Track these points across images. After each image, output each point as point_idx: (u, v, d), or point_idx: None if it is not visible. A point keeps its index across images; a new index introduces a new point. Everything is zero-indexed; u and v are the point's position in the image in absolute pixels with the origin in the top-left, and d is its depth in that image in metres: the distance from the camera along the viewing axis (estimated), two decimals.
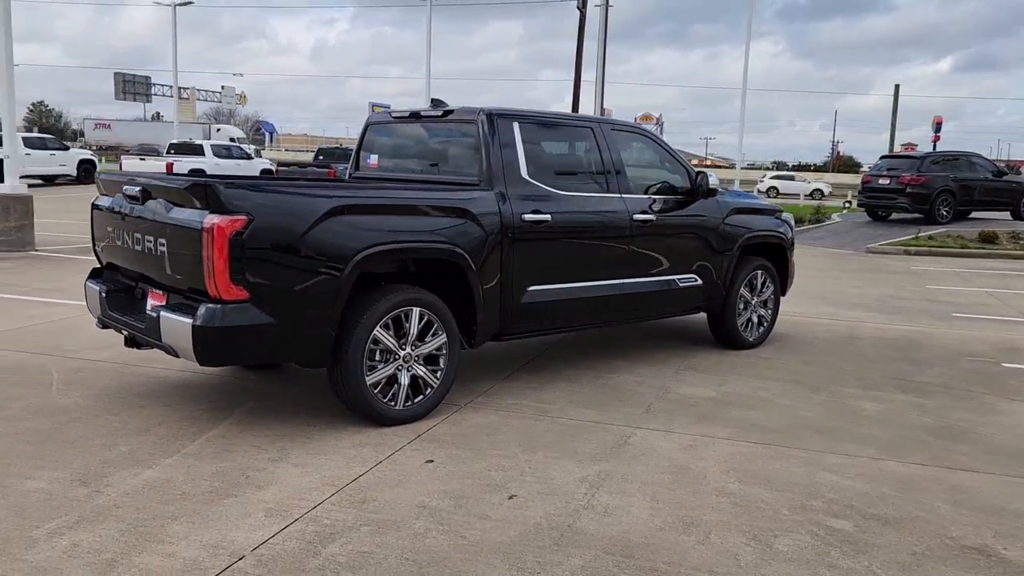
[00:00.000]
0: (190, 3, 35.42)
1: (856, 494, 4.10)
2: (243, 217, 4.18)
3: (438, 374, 5.04)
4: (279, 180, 4.83)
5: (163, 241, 4.50)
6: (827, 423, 5.24)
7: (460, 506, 3.80)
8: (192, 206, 4.27)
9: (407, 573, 3.19)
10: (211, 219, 4.14)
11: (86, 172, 29.01)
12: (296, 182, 4.89)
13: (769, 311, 7.40)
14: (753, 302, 7.21)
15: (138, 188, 4.64)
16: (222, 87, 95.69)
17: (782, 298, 7.63)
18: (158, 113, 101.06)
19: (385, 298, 4.74)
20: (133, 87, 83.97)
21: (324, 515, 3.66)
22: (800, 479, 4.27)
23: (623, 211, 5.99)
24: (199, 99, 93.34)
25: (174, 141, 30.18)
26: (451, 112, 5.73)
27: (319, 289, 4.44)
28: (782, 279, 7.55)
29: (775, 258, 7.46)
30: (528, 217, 5.38)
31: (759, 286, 7.23)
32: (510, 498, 3.92)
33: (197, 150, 28.48)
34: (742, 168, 36.25)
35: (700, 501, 3.95)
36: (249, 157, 31.50)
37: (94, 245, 5.44)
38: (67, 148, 30.10)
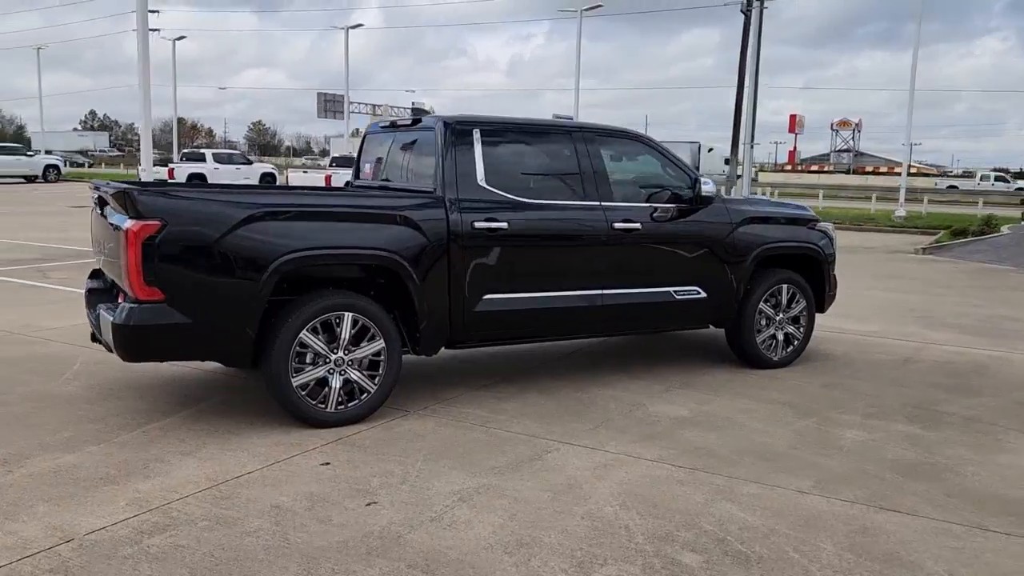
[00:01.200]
0: (360, 26, 37.67)
1: (740, 528, 3.75)
2: (156, 222, 4.45)
3: (376, 379, 5.10)
4: (203, 187, 5.06)
5: (111, 245, 4.87)
6: (785, 451, 4.81)
7: (310, 509, 3.85)
8: (122, 212, 4.60)
9: (201, 569, 3.28)
10: (127, 223, 4.45)
11: (267, 184, 31.73)
12: (220, 189, 5.11)
13: (800, 329, 6.86)
14: (778, 319, 6.71)
15: (97, 195, 5.05)
16: (412, 103, 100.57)
17: (824, 312, 7.06)
18: (357, 129, 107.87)
19: (312, 302, 4.87)
20: (332, 105, 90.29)
21: (178, 508, 3.83)
22: (692, 507, 3.96)
23: (601, 219, 5.79)
24: (391, 115, 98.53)
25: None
26: (419, 121, 5.78)
27: (236, 292, 4.63)
28: (818, 294, 6.98)
29: (808, 272, 6.91)
30: (480, 225, 5.33)
31: (784, 301, 6.72)
32: (367, 504, 3.92)
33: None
34: (948, 174, 33.19)
35: (556, 522, 3.76)
36: (249, 163, 35.53)
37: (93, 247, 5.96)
38: (251, 162, 32.98)
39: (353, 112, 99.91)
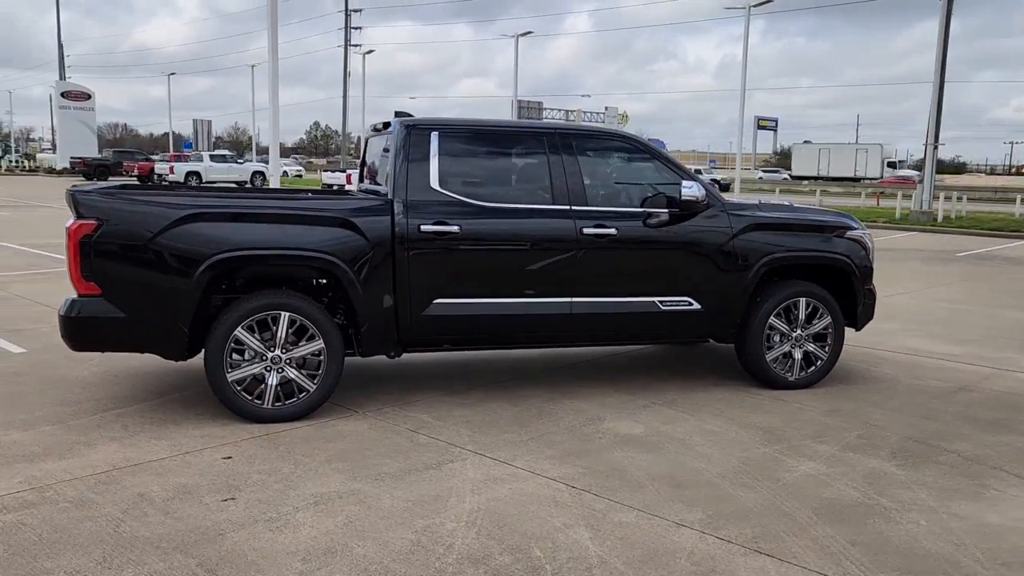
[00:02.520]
0: (530, 33, 38.23)
1: (570, 557, 3.47)
2: (93, 221, 4.78)
3: (316, 379, 5.18)
4: (147, 189, 5.31)
5: None
6: (709, 479, 4.38)
7: (169, 500, 3.98)
8: (71, 211, 4.97)
9: (17, 547, 3.47)
10: (68, 222, 4.81)
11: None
12: (162, 191, 5.34)
13: (825, 347, 6.20)
14: (794, 335, 6.10)
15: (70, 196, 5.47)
16: (605, 108, 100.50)
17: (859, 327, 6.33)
18: None
19: (248, 300, 5.02)
20: (528, 112, 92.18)
21: (58, 488, 4.08)
22: (540, 532, 3.71)
23: (568, 224, 5.54)
24: (584, 120, 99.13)
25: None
26: (389, 125, 5.80)
27: (169, 289, 4.87)
28: (848, 310, 6.28)
29: (835, 285, 6.24)
30: (427, 228, 5.27)
31: (803, 316, 6.10)
32: (223, 500, 3.99)
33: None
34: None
35: (384, 534, 3.65)
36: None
37: None
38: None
39: (548, 118, 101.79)
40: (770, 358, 6.08)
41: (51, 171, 55.82)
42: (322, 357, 5.16)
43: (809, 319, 6.14)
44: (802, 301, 6.08)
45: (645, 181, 5.91)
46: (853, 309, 6.28)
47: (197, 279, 4.87)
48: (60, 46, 62.44)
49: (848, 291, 6.24)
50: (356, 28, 55.66)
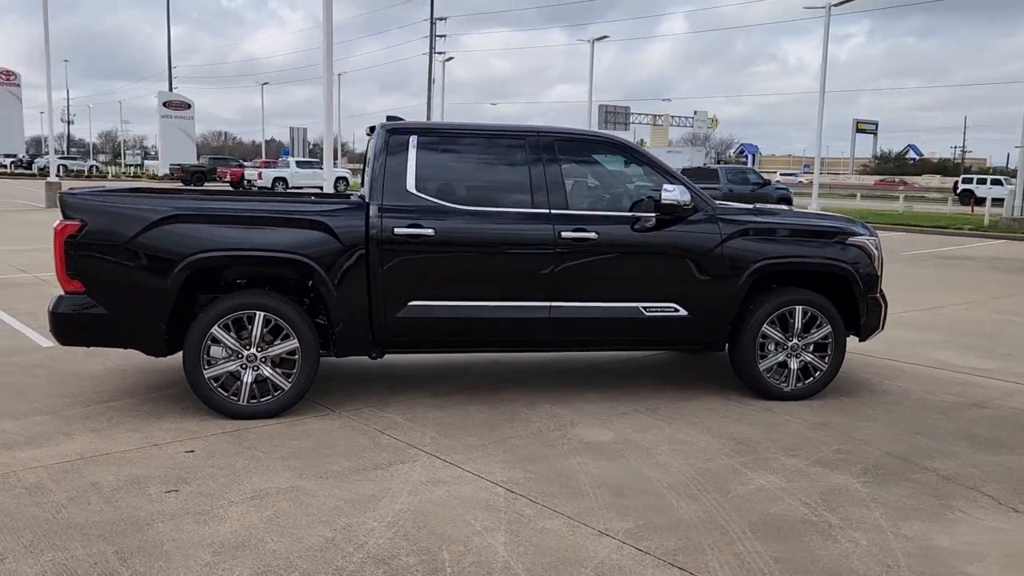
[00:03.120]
0: (605, 38, 38.00)
1: (473, 562, 3.45)
2: (76, 222, 5.02)
3: (290, 377, 5.30)
4: (131, 191, 5.49)
5: None
6: (656, 490, 4.28)
7: (117, 490, 4.13)
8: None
9: None
10: (55, 223, 5.07)
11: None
12: (144, 194, 5.51)
13: (825, 357, 5.96)
14: (790, 344, 5.90)
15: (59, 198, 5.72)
16: (694, 112, 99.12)
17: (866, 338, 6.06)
18: (641, 140, 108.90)
19: (224, 300, 5.18)
20: (614, 117, 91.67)
21: (21, 475, 4.29)
22: (457, 535, 3.70)
23: (546, 228, 5.50)
24: (672, 125, 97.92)
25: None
26: (374, 129, 5.88)
27: (148, 287, 5.07)
28: (850, 319, 6.03)
29: (837, 293, 6.00)
30: (401, 231, 5.33)
31: (799, 325, 5.88)
32: (167, 492, 4.13)
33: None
34: None
35: (302, 531, 3.71)
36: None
37: None
38: None
39: (634, 123, 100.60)
40: (763, 367, 5.89)
41: (153, 177, 58.67)
42: (297, 356, 5.28)
43: (807, 328, 5.92)
44: (798, 309, 5.87)
45: (631, 185, 5.82)
46: (856, 319, 6.02)
47: (173, 279, 5.05)
48: (169, 58, 65.63)
49: (850, 300, 5.99)
50: (441, 36, 56.51)
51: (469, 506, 4.02)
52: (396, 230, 5.33)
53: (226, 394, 5.23)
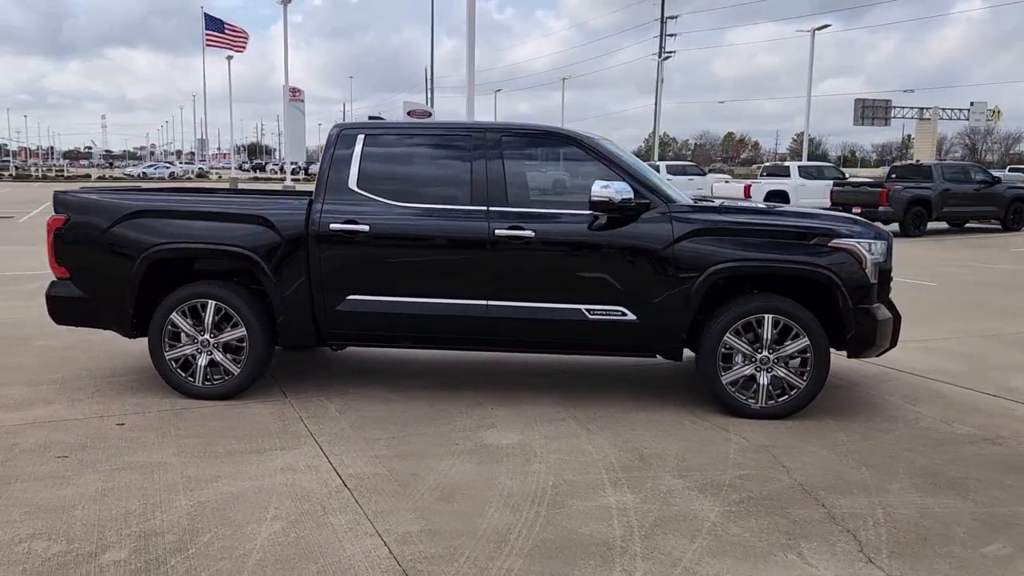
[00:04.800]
0: (827, 27, 35.36)
1: (223, 547, 3.55)
2: (63, 216, 5.71)
3: (239, 363, 5.66)
4: (106, 188, 6.02)
5: None
6: (487, 498, 4.10)
7: (25, 451, 4.67)
8: None
9: None
10: (48, 216, 5.80)
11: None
12: (119, 191, 6.03)
13: (804, 373, 5.32)
14: (759, 356, 5.33)
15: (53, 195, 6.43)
16: (971, 103, 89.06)
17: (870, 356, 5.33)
18: (908, 136, 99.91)
19: (182, 289, 5.65)
20: (872, 111, 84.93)
21: None
22: (234, 518, 3.81)
23: (481, 225, 5.41)
24: (942, 118, 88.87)
25: (767, 165, 30.64)
26: None
27: (116, 275, 5.64)
28: (835, 331, 5.33)
29: (818, 300, 5.33)
30: (336, 227, 5.49)
31: (767, 336, 5.30)
32: (58, 457, 4.60)
33: (784, 171, 27.10)
34: None
35: (119, 501, 4.00)
36: (702, 174, 33.39)
37: None
38: (704, 174, 33.55)
39: (895, 117, 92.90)
40: (727, 380, 5.38)
41: None
42: (244, 343, 5.62)
43: (780, 340, 5.32)
44: (767, 318, 5.29)
45: (582, 182, 5.55)
46: (841, 331, 5.31)
47: (136, 268, 5.58)
48: (428, 71, 70.15)
49: (834, 309, 5.30)
50: (671, 35, 55.64)
51: (285, 495, 4.10)
52: (332, 226, 5.50)
53: (184, 375, 5.69)
